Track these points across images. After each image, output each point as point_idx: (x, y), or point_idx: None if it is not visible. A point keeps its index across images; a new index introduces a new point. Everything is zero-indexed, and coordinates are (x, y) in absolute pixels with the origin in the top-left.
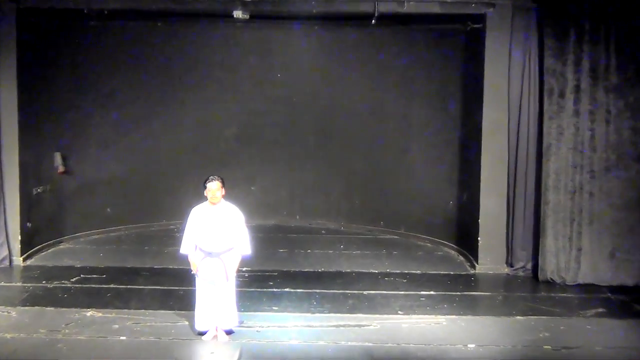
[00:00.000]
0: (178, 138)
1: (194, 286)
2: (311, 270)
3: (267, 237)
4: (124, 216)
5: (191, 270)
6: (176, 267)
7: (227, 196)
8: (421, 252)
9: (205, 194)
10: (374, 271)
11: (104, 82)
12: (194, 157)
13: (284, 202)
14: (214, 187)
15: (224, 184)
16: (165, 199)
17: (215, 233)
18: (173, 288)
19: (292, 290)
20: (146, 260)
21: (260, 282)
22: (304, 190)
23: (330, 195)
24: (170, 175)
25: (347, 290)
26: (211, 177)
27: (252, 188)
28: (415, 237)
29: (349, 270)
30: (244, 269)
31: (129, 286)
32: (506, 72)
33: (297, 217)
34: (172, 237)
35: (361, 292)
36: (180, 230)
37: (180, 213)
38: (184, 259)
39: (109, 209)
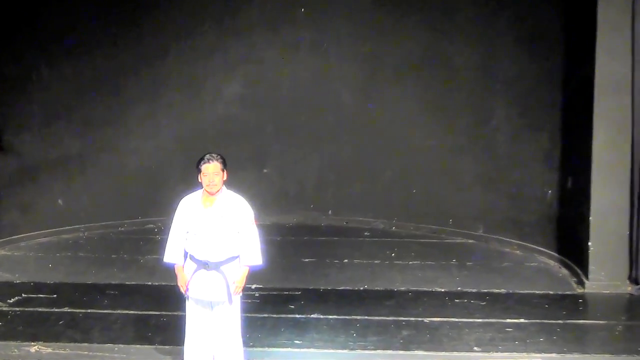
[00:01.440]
0: (158, 101)
1: (183, 310)
2: (349, 288)
3: (286, 241)
4: (83, 211)
5: (178, 288)
6: (156, 282)
7: (230, 182)
8: (507, 262)
9: (199, 180)
10: (439, 290)
11: (54, 21)
12: (182, 127)
13: (310, 191)
14: (211, 170)
15: (225, 166)
16: (141, 187)
17: (213, 235)
18: (152, 313)
19: (321, 316)
20: (114, 273)
21: (277, 305)
22: (338, 174)
23: (376, 181)
24: (148, 154)
25: (400, 316)
26: (207, 155)
27: (265, 171)
28: (498, 240)
29: (403, 289)
30: (254, 286)
31: (89, 310)
32: (629, 2)
33: (329, 212)
34: (151, 240)
35: (421, 319)
36: (163, 231)
37: (161, 207)
38: (169, 272)
39: (60, 201)
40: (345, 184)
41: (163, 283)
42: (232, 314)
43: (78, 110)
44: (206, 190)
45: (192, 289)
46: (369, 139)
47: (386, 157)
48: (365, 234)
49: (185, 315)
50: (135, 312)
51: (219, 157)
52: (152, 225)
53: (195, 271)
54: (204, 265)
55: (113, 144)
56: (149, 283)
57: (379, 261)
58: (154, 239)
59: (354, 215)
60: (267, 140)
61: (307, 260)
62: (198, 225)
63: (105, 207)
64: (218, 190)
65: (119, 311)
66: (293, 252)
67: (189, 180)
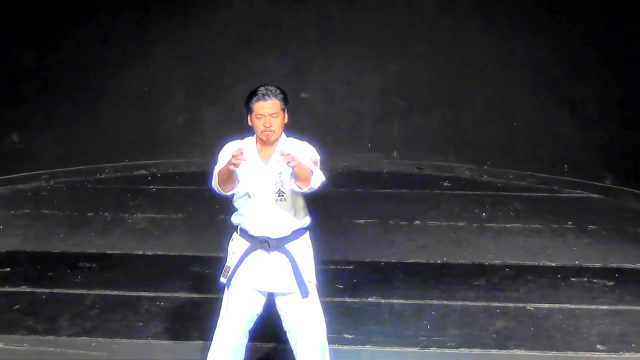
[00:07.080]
0: None
1: (190, 291)
2: (422, 261)
3: (333, 195)
4: (46, 152)
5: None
6: (150, 252)
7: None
8: None
9: (248, 123)
10: (550, 264)
11: None
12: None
13: (367, 124)
14: (268, 110)
15: (286, 104)
16: (129, 118)
17: (271, 200)
18: (144, 294)
19: (382, 300)
20: (90, 238)
21: (320, 285)
22: (409, 99)
23: (460, 110)
24: (142, 74)
25: (494, 301)
26: (262, 89)
27: (303, 95)
28: (634, 195)
29: (497, 263)
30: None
31: (56, 290)
32: None
33: (395, 154)
34: (142, 192)
35: (523, 305)
36: (160, 179)
37: (157, 145)
38: (168, 237)
39: (15, 137)
40: (417, 113)
41: (159, 253)
42: (308, 308)
43: None
44: (262, 137)
45: (242, 276)
46: (453, 46)
47: (477, 74)
48: (445, 184)
49: (222, 301)
50: (120, 294)
51: (278, 91)
52: (143, 171)
53: (247, 252)
54: (261, 243)
55: (88, 56)
56: (140, 252)
57: (464, 223)
58: (146, 191)
59: (430, 157)
60: (308, 47)
61: (361, 221)
62: (251, 184)
63: (77, 146)
64: (276, 138)
65: (97, 292)
66: (342, 210)
67: (195, 109)
